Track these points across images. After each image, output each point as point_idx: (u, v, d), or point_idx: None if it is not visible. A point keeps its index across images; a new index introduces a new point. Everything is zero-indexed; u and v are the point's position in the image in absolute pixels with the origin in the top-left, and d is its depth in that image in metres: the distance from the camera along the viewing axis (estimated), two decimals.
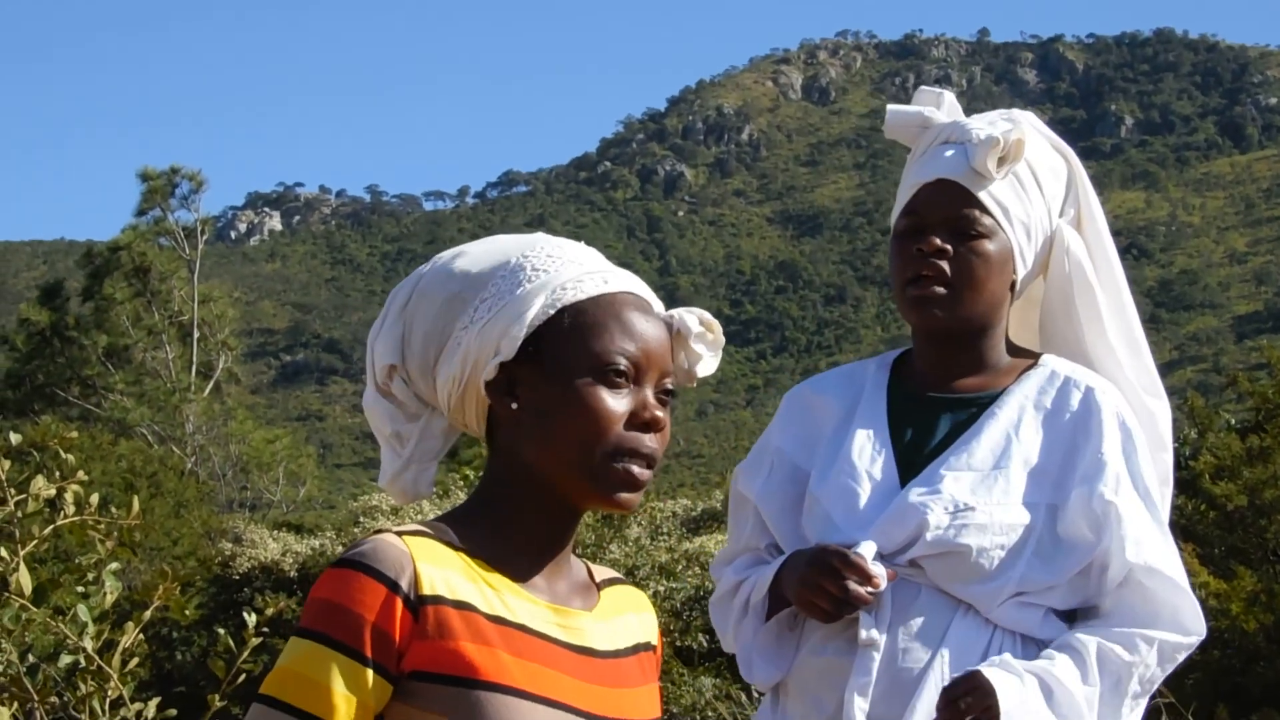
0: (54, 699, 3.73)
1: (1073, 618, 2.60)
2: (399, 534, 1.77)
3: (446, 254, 1.90)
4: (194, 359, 33.45)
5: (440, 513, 2.08)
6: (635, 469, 1.80)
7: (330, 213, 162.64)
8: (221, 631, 3.94)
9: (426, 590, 1.73)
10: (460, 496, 13.13)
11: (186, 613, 3.93)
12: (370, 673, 1.71)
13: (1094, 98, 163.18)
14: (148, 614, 3.81)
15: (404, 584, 1.72)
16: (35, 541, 3.71)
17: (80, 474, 3.78)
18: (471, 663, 1.73)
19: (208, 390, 33.10)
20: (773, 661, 2.64)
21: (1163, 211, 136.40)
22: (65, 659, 3.68)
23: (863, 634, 2.52)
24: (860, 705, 2.49)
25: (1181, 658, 2.59)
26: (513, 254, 1.86)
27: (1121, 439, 2.61)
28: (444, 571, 1.76)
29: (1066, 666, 2.49)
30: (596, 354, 1.79)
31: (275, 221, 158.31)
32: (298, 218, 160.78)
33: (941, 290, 2.64)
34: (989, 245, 2.65)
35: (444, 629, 1.73)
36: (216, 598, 14.49)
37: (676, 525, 13.88)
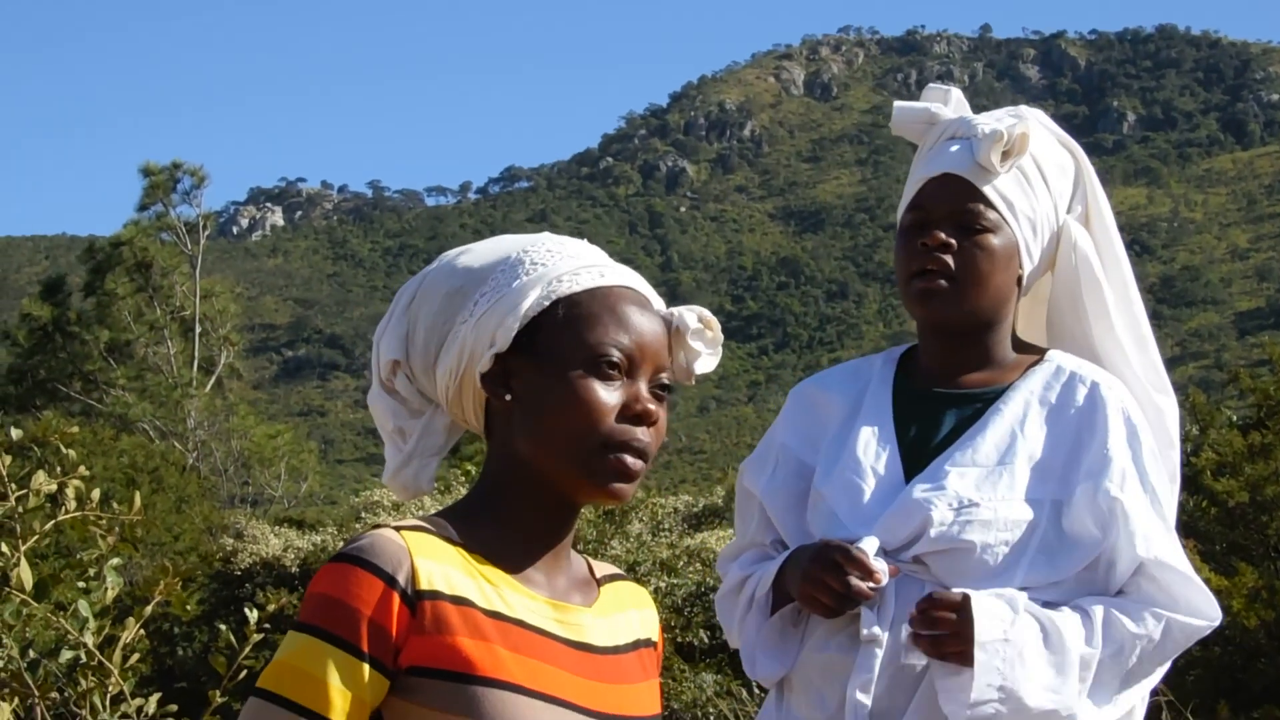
0: (55, 694, 3.73)
1: None
2: (397, 529, 1.77)
3: (452, 252, 1.91)
4: (196, 354, 33.42)
5: (439, 507, 2.08)
6: (627, 459, 1.79)
7: (332, 208, 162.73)
8: (223, 627, 3.94)
9: (424, 585, 1.73)
10: (462, 492, 13.13)
11: (188, 608, 3.92)
12: (367, 667, 1.71)
13: (1096, 94, 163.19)
14: (149, 609, 3.81)
15: (401, 579, 1.72)
16: (36, 537, 3.71)
17: (81, 469, 3.78)
18: (469, 658, 1.72)
19: (209, 385, 33.08)
20: (776, 657, 2.64)
21: (1165, 208, 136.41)
22: (66, 654, 3.68)
23: (865, 630, 2.52)
24: (862, 701, 2.49)
25: (1194, 641, 2.57)
26: (514, 250, 1.87)
27: (1127, 434, 2.60)
28: (442, 566, 1.75)
29: (1071, 621, 2.49)
30: (590, 345, 1.80)
31: (277, 217, 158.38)
32: (300, 213, 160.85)
33: (945, 284, 2.63)
34: (993, 240, 2.65)
35: (441, 624, 1.73)
36: (218, 593, 14.50)
37: (678, 521, 13.89)
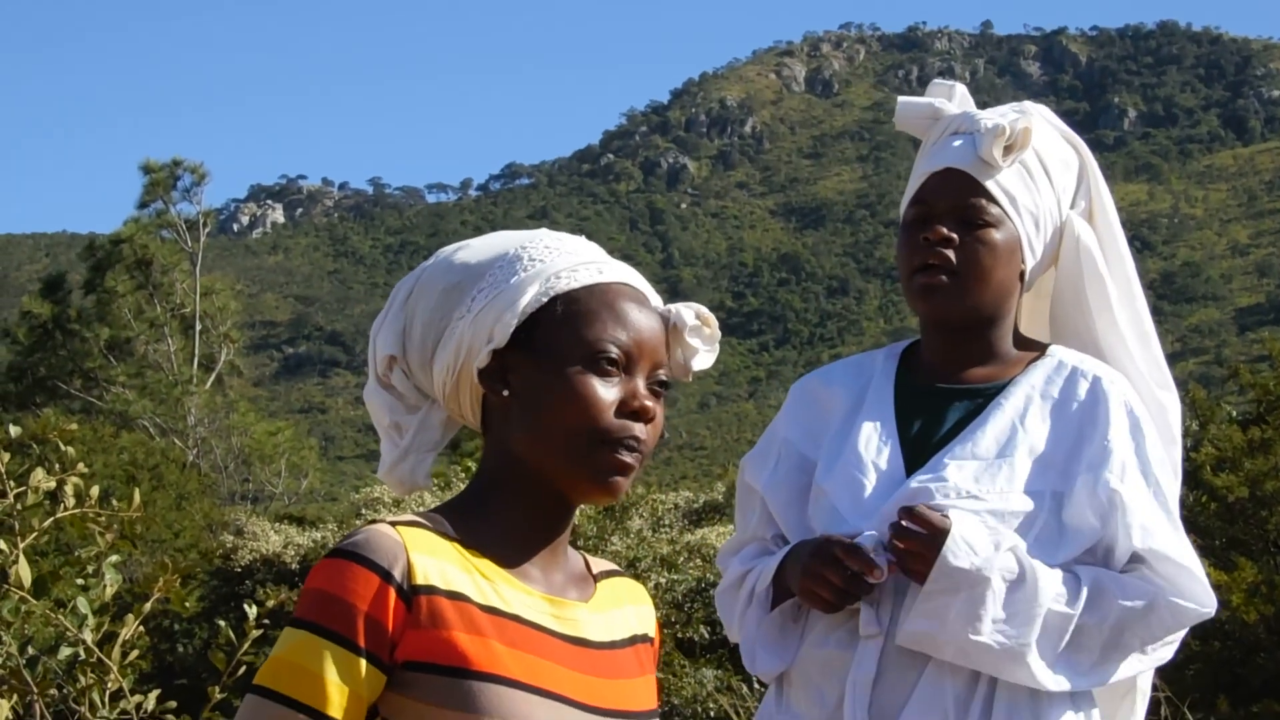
0: (54, 691, 3.73)
1: None
2: (393, 524, 1.77)
3: (449, 247, 1.91)
4: (196, 351, 33.41)
5: (439, 503, 2.08)
6: (624, 455, 1.79)
7: (333, 205, 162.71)
8: (223, 624, 3.94)
9: (420, 580, 1.73)
10: (461, 488, 13.14)
11: (187, 605, 3.92)
12: (363, 662, 1.70)
13: (1097, 90, 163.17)
14: (148, 606, 3.81)
15: (397, 574, 1.72)
16: (35, 534, 3.71)
17: (81, 466, 3.78)
18: (464, 653, 1.72)
19: (210, 383, 33.08)
20: (776, 653, 2.64)
21: (1165, 204, 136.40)
22: (65, 651, 3.68)
23: (864, 626, 2.52)
24: (862, 697, 2.49)
25: (1185, 625, 2.56)
26: (512, 246, 1.87)
27: (1130, 427, 2.60)
28: (437, 561, 1.75)
29: (1054, 576, 2.48)
30: (588, 342, 1.80)
31: (278, 214, 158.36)
32: (300, 210, 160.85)
33: (947, 279, 2.63)
34: (996, 234, 2.64)
35: (437, 619, 1.73)
36: (218, 590, 14.52)
37: (678, 517, 13.91)
